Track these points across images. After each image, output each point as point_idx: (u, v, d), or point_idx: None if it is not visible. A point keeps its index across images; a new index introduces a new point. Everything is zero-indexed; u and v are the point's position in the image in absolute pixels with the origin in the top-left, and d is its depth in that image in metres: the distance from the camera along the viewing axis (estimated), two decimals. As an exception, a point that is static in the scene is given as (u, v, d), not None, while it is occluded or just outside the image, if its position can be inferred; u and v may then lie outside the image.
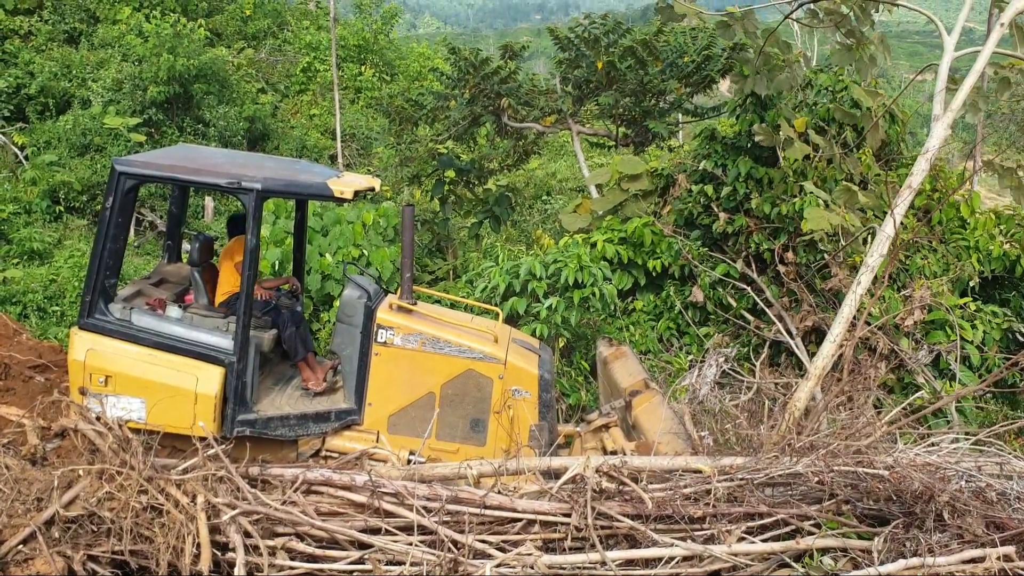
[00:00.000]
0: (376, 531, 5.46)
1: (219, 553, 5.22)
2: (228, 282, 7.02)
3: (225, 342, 6.61)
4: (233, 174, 6.48)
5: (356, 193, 6.55)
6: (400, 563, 5.18)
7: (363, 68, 27.01)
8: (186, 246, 8.16)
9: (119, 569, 5.17)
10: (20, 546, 4.96)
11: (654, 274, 11.46)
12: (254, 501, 5.40)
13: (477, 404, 6.86)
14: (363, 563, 5.25)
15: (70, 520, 5.16)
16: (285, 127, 23.34)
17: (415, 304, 7.09)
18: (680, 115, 16.56)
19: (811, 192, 10.03)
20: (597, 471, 5.70)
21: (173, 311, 6.84)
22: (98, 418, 5.96)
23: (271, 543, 5.28)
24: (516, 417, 6.82)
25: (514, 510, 5.59)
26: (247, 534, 5.26)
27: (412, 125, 17.12)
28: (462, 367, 6.84)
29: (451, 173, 15.75)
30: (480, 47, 15.69)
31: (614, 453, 6.90)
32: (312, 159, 22.33)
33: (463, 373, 6.85)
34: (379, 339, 6.83)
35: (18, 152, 19.37)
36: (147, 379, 6.47)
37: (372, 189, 7.03)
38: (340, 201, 6.52)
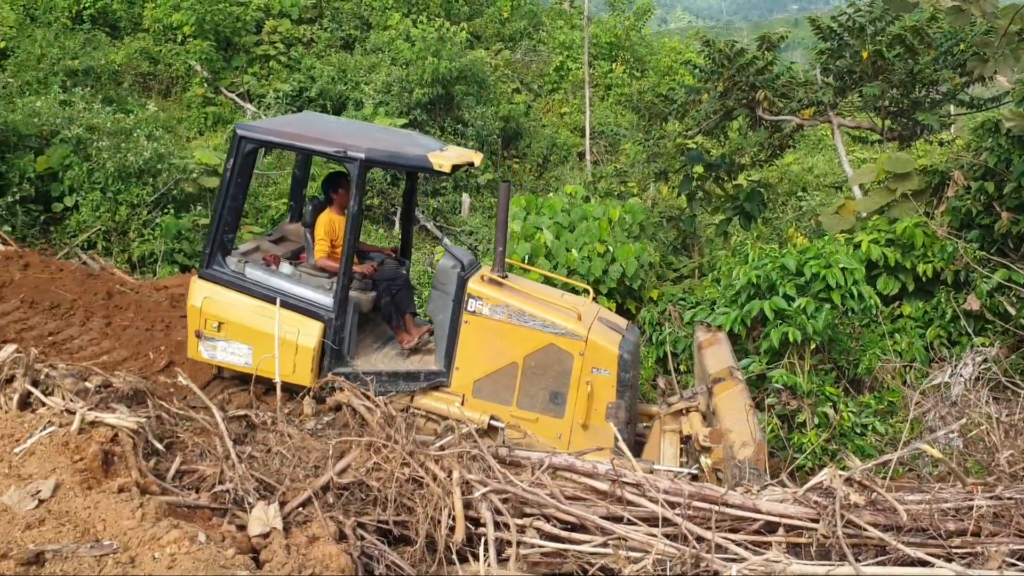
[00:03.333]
0: (616, 519, 5.57)
1: (472, 527, 5.52)
2: (320, 251, 7.45)
3: (326, 299, 7.12)
4: (341, 143, 6.93)
5: (455, 167, 6.91)
6: (642, 551, 5.25)
7: (614, 65, 27.21)
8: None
9: (383, 536, 5.58)
10: (300, 508, 5.51)
11: (924, 279, 10.60)
12: (503, 480, 5.68)
13: (557, 378, 7.11)
14: (605, 547, 5.36)
15: (342, 487, 5.62)
16: (537, 126, 23.99)
17: (506, 277, 7.35)
18: (953, 107, 15.30)
19: None
20: (847, 482, 5.48)
21: (285, 267, 7.40)
22: (366, 395, 6.51)
23: (520, 521, 5.53)
24: (594, 394, 7.02)
25: (756, 510, 5.49)
26: (497, 511, 5.53)
27: (661, 120, 17.06)
28: (544, 341, 7.08)
29: (699, 168, 15.51)
30: (734, 39, 15.29)
31: (689, 437, 7.09)
32: (561, 157, 22.82)
33: (545, 347, 7.08)
34: (469, 308, 7.17)
35: (302, 151, 21.29)
36: (255, 328, 7.04)
37: (471, 164, 7.38)
38: (438, 173, 6.85)
